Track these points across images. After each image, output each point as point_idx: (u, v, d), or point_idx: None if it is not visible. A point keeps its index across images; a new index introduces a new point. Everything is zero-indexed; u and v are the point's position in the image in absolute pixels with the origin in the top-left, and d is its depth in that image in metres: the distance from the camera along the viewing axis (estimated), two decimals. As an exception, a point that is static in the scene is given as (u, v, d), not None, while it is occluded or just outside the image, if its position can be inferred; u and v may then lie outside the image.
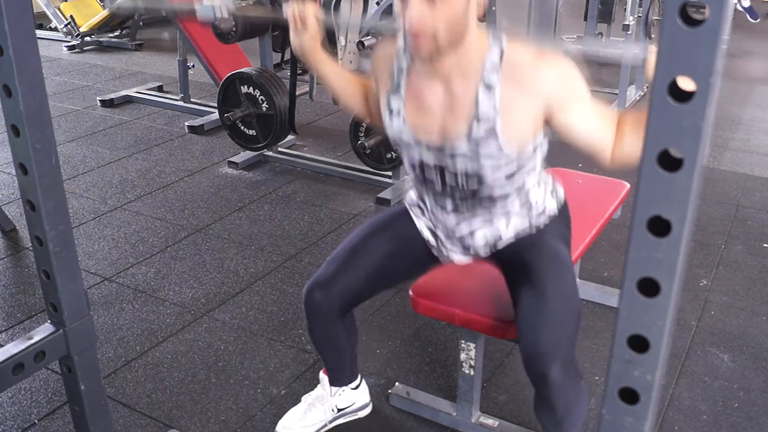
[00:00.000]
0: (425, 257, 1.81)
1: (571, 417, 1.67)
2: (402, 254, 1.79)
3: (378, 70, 1.69)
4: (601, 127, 1.50)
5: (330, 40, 3.73)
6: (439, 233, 1.76)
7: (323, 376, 2.04)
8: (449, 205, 1.68)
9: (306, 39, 1.70)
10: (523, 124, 1.50)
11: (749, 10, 6.31)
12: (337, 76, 1.80)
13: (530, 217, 1.70)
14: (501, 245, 1.72)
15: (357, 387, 2.05)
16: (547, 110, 1.48)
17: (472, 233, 1.71)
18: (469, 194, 1.62)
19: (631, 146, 1.47)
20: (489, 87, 1.48)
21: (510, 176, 1.58)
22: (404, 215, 1.82)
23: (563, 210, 1.76)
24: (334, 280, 1.75)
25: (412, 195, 1.83)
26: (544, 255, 1.65)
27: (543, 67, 1.46)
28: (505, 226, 1.69)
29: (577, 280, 2.64)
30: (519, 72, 1.47)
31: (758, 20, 6.33)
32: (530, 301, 1.60)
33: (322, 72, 1.79)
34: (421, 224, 1.79)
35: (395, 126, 1.62)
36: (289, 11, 1.67)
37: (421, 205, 1.78)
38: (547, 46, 1.52)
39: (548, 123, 1.52)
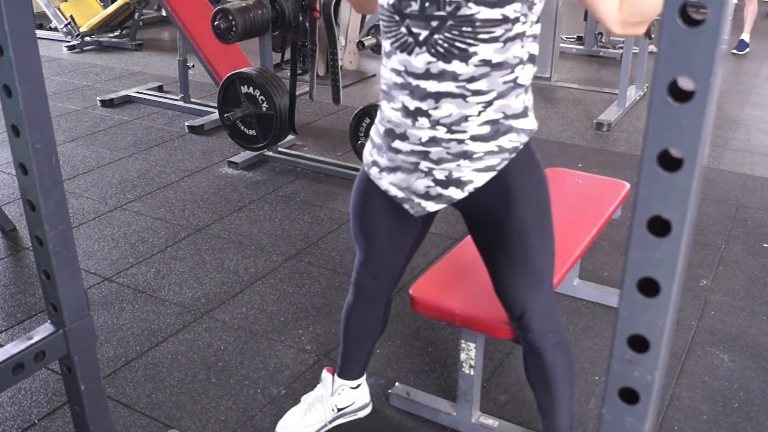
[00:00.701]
0: (405, 216, 1.65)
1: (561, 379, 1.70)
2: (396, 226, 1.70)
3: None
4: None
5: (330, 40, 3.73)
6: (399, 176, 1.55)
7: (326, 375, 2.04)
8: (423, 33, 1.38)
9: None
10: None
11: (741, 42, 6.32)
12: None
13: (508, 110, 1.44)
14: (474, 186, 1.49)
15: (357, 386, 2.05)
16: None
17: (437, 107, 1.42)
18: (450, 22, 1.36)
19: (638, 6, 1.38)
20: None
21: (495, 21, 1.34)
22: (369, 184, 1.65)
23: (533, 145, 1.54)
24: (367, 262, 1.78)
25: (366, 154, 1.65)
26: (520, 210, 1.51)
27: None
28: (474, 124, 1.43)
29: (577, 280, 2.65)
30: None
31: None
32: (507, 261, 1.58)
33: None
34: (385, 183, 1.60)
35: None
36: None
37: (378, 153, 1.58)
38: None
39: None
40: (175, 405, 2.16)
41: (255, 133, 3.75)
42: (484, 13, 1.33)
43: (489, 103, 1.42)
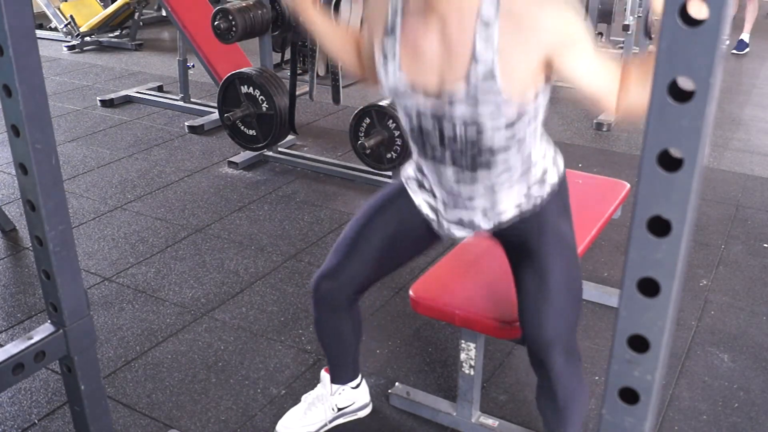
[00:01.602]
0: (426, 235, 1.76)
1: (572, 408, 1.67)
2: (403, 236, 1.76)
3: (372, 12, 1.60)
4: (605, 73, 1.42)
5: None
6: (438, 205, 1.69)
7: (324, 375, 2.04)
8: (448, 160, 1.57)
9: None
10: (522, 65, 1.42)
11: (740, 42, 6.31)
12: (329, 31, 1.75)
13: (529, 180, 1.61)
14: (503, 220, 1.65)
15: (357, 386, 2.05)
16: (548, 52, 1.40)
17: (471, 198, 1.62)
18: (469, 146, 1.53)
19: (638, 95, 1.38)
20: (487, 24, 1.40)
21: (510, 125, 1.48)
22: (401, 193, 1.75)
23: (563, 183, 1.69)
24: (341, 269, 1.76)
25: (408, 169, 1.76)
26: (548, 240, 1.62)
27: (544, 7, 1.40)
28: (504, 190, 1.61)
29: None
30: (518, 10, 1.39)
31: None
32: (533, 290, 1.60)
33: (314, 27, 1.73)
34: (419, 199, 1.72)
35: (390, 72, 1.54)
36: None
37: (419, 175, 1.72)
38: None
39: (549, 67, 1.44)
40: (175, 405, 2.16)
41: (255, 133, 3.75)
42: (498, 138, 1.50)
43: (511, 182, 1.60)
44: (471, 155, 1.54)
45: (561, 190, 1.68)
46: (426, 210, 1.72)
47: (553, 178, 1.65)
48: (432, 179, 1.67)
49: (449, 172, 1.60)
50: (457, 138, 1.52)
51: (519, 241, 1.65)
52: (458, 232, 1.71)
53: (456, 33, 1.43)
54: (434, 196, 1.70)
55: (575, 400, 1.67)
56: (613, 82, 1.41)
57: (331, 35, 1.76)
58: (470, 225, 1.68)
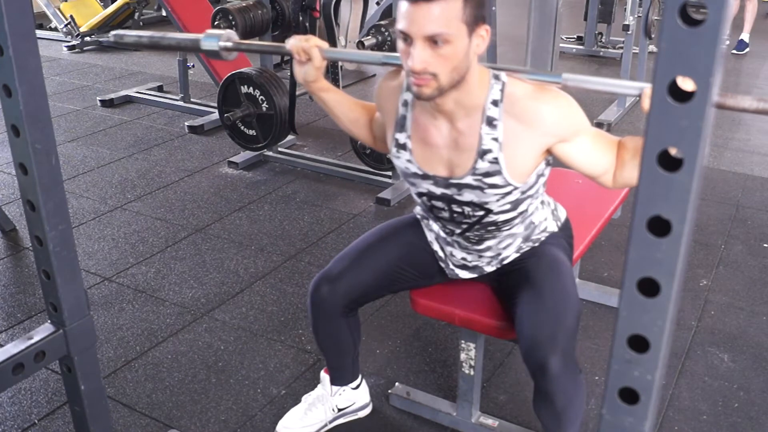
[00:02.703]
0: (432, 269, 1.86)
1: (569, 412, 1.67)
2: (411, 261, 1.83)
3: (383, 101, 1.71)
4: (601, 155, 1.57)
5: (330, 40, 3.73)
6: (446, 249, 1.82)
7: (324, 375, 2.04)
8: (457, 232, 1.73)
9: (310, 70, 1.68)
10: (526, 157, 1.56)
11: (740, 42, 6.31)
12: (340, 103, 1.80)
13: (531, 236, 1.76)
14: (505, 263, 1.79)
15: (357, 387, 2.05)
16: (549, 143, 1.54)
17: (480, 256, 1.78)
18: (476, 221, 1.67)
19: (632, 171, 1.54)
20: (491, 122, 1.53)
21: (514, 203, 1.63)
22: (416, 225, 1.86)
23: (564, 227, 1.83)
24: (342, 277, 1.78)
25: (418, 208, 1.88)
26: (542, 261, 1.72)
27: (543, 102, 1.52)
28: (508, 246, 1.76)
29: (577, 280, 2.65)
30: (520, 107, 1.52)
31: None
32: (528, 300, 1.64)
33: (325, 100, 1.78)
34: (432, 236, 1.83)
35: (403, 160, 1.67)
36: (292, 43, 1.66)
37: (429, 229, 1.86)
38: (546, 83, 1.56)
39: (550, 153, 1.59)
40: (175, 405, 2.16)
41: (255, 133, 3.75)
42: (503, 216, 1.65)
43: (514, 241, 1.76)
44: (478, 229, 1.69)
45: (561, 231, 1.82)
46: (436, 247, 1.84)
47: (552, 229, 1.79)
48: (440, 241, 1.82)
49: (457, 240, 1.75)
50: (465, 214, 1.67)
51: (516, 267, 1.76)
52: (462, 274, 1.83)
53: (464, 129, 1.56)
54: (443, 248, 1.83)
55: (573, 405, 1.67)
56: (609, 164, 1.56)
57: (343, 108, 1.81)
58: (474, 269, 1.81)
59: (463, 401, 2.01)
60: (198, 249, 3.06)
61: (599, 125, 4.50)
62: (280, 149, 4.02)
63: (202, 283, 2.80)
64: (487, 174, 1.56)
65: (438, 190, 1.65)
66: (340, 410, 2.04)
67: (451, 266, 1.83)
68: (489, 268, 1.81)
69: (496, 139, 1.53)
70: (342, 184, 3.71)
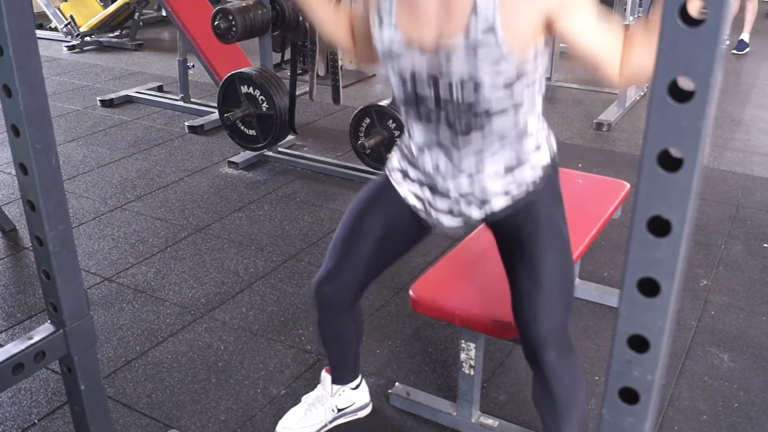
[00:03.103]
0: (416, 227, 1.74)
1: (568, 403, 1.67)
2: (394, 231, 1.74)
3: None
4: (607, 37, 1.40)
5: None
6: (426, 194, 1.66)
7: (325, 375, 2.04)
8: (443, 122, 1.54)
9: None
10: (523, 21, 1.40)
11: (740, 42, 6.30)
12: (322, 7, 1.73)
13: (520, 151, 1.56)
14: (494, 208, 1.61)
15: (357, 387, 2.05)
16: (550, 10, 1.39)
17: (460, 171, 1.59)
18: (465, 109, 1.49)
19: (641, 59, 1.36)
20: None
21: (508, 85, 1.45)
22: (385, 187, 1.72)
23: (555, 167, 1.66)
24: (338, 272, 1.75)
25: (393, 160, 1.74)
26: (541, 230, 1.60)
27: None
28: (495, 159, 1.56)
29: (577, 280, 2.65)
30: None
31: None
32: (526, 285, 1.60)
33: (307, 5, 1.72)
34: (405, 190, 1.69)
35: (385, 33, 1.51)
36: None
37: (404, 164, 1.69)
38: None
39: (550, 27, 1.42)
40: (175, 405, 2.16)
41: (255, 133, 3.75)
42: (496, 96, 1.46)
43: (503, 148, 1.55)
44: (467, 118, 1.50)
45: (553, 175, 1.64)
46: (412, 200, 1.68)
47: (545, 158, 1.61)
48: (423, 142, 1.62)
49: (443, 135, 1.56)
50: (454, 99, 1.49)
51: (512, 231, 1.63)
52: (447, 221, 1.67)
53: None
54: (421, 184, 1.66)
55: (572, 394, 1.67)
56: (615, 48, 1.39)
57: (324, 11, 1.74)
58: (460, 214, 1.64)
59: (463, 401, 2.01)
60: (198, 249, 3.06)
61: (599, 125, 4.50)
62: (280, 149, 4.02)
63: (202, 283, 2.80)
64: (482, 35, 1.39)
65: (424, 68, 1.48)
66: (339, 410, 2.04)
67: (434, 215, 1.67)
68: (476, 213, 1.63)
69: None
70: (342, 184, 3.71)
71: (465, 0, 1.40)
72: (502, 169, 1.57)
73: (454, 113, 1.50)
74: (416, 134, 1.62)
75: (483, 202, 1.61)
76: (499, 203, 1.60)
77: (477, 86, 1.45)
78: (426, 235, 1.80)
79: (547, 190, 1.62)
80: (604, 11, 1.42)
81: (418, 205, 1.68)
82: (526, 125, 1.54)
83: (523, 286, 1.61)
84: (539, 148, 1.59)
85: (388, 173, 1.73)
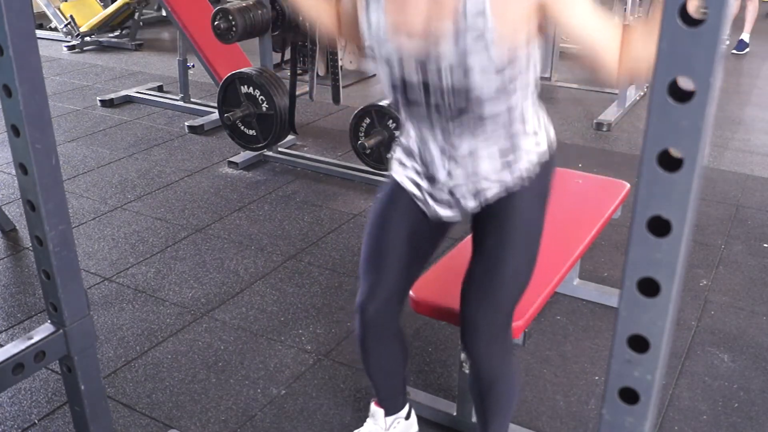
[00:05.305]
0: (425, 222, 1.70)
1: (495, 394, 1.67)
2: (419, 230, 1.70)
3: None
4: (603, 27, 1.37)
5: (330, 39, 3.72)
6: (424, 183, 1.64)
7: (375, 409, 1.92)
8: (433, 112, 1.51)
9: None
10: (514, 7, 1.37)
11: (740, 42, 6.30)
12: None
13: (515, 136, 1.53)
14: (488, 197, 1.59)
15: (408, 416, 1.95)
16: (542, 2, 1.36)
17: (454, 159, 1.57)
18: (455, 94, 1.45)
19: (640, 53, 1.33)
20: None
21: (500, 71, 1.41)
22: (397, 188, 1.69)
23: (552, 157, 1.63)
24: (377, 287, 1.69)
25: (395, 151, 1.72)
26: (514, 228, 1.58)
27: None
28: (488, 147, 1.54)
29: (577, 280, 2.65)
30: None
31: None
32: (479, 272, 1.59)
33: None
34: (402, 177, 1.67)
35: (373, 18, 1.48)
36: None
37: (402, 155, 1.67)
38: None
39: (543, 12, 1.39)
40: (175, 405, 2.16)
41: (255, 133, 3.75)
42: (487, 86, 1.42)
43: (497, 133, 1.53)
44: (458, 104, 1.46)
45: (549, 163, 1.62)
46: (410, 188, 1.66)
47: (541, 145, 1.59)
48: (416, 131, 1.60)
49: (435, 122, 1.53)
50: (444, 84, 1.45)
51: (486, 217, 1.61)
52: (443, 212, 1.65)
53: None
54: (419, 174, 1.64)
55: (501, 390, 1.67)
56: (612, 39, 1.36)
57: None
58: (456, 205, 1.63)
59: (463, 401, 2.01)
60: (198, 249, 3.06)
61: (599, 125, 4.50)
62: (280, 149, 4.02)
63: (202, 283, 2.80)
64: (471, 19, 1.35)
65: (412, 53, 1.44)
66: None
67: (432, 205, 1.65)
68: (471, 204, 1.60)
69: None
70: (342, 184, 3.71)
71: None
72: (497, 155, 1.54)
73: (444, 99, 1.47)
74: (409, 123, 1.61)
75: (477, 192, 1.59)
76: (492, 192, 1.58)
77: (467, 72, 1.41)
78: (450, 227, 1.75)
79: (536, 187, 1.60)
80: (602, 7, 1.41)
81: (416, 193, 1.66)
82: (521, 111, 1.52)
83: (476, 270, 1.60)
84: (536, 134, 1.58)
85: (392, 164, 1.72)
